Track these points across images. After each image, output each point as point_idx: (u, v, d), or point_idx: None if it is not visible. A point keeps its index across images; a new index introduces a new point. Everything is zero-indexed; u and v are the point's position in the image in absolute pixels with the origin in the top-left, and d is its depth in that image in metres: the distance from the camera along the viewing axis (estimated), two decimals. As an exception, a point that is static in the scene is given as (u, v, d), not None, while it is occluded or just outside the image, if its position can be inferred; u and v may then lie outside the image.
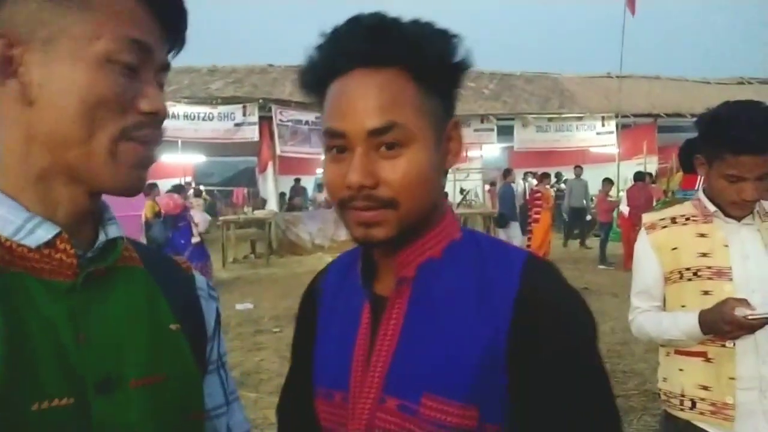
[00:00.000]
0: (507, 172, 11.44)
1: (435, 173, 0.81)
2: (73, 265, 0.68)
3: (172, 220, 8.84)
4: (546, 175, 11.62)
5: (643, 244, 1.85)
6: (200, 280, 0.88)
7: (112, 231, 0.75)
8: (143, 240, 9.66)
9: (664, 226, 1.83)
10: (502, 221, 10.69)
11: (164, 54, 0.73)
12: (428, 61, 0.77)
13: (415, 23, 0.79)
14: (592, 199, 15.18)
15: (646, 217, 1.90)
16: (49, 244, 0.67)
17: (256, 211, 13.13)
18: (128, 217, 10.31)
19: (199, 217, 9.45)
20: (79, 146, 0.66)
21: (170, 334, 0.75)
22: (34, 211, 0.67)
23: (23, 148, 0.67)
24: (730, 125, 1.61)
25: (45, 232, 0.66)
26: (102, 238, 0.73)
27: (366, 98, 0.76)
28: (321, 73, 0.81)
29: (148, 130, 0.69)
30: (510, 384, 0.75)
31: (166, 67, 0.73)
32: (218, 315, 0.89)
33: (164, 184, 15.57)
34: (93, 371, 0.65)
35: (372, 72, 0.77)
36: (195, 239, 8.69)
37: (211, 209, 17.62)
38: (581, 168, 13.52)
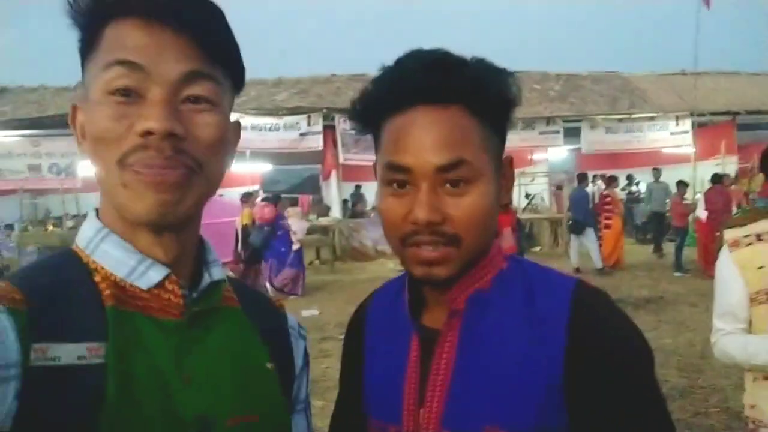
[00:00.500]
0: (582, 177, 11.12)
1: (495, 211, 0.81)
2: (180, 305, 0.72)
3: (270, 228, 9.19)
4: (614, 178, 11.20)
5: (727, 262, 1.76)
6: (291, 319, 0.90)
7: (216, 273, 0.78)
8: (239, 245, 10.35)
9: (749, 243, 1.73)
10: (578, 227, 10.37)
11: (181, 65, 0.68)
12: (490, 99, 0.79)
13: (477, 61, 0.81)
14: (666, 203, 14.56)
15: (729, 234, 1.80)
16: (159, 284, 0.71)
17: (320, 218, 13.36)
18: (222, 224, 10.86)
19: (297, 225, 9.76)
20: (104, 182, 0.69)
21: (266, 374, 0.78)
22: (145, 253, 0.72)
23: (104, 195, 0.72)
24: None
25: (156, 274, 0.71)
26: (207, 279, 0.76)
27: (433, 134, 0.77)
28: (380, 106, 0.81)
29: (149, 152, 0.66)
30: (569, 412, 0.75)
31: (192, 76, 0.69)
32: (306, 354, 0.90)
33: (233, 193, 16.17)
34: (193, 409, 0.68)
35: (437, 108, 0.77)
36: (295, 246, 9.06)
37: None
38: (660, 170, 12.89)
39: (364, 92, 0.83)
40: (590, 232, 10.29)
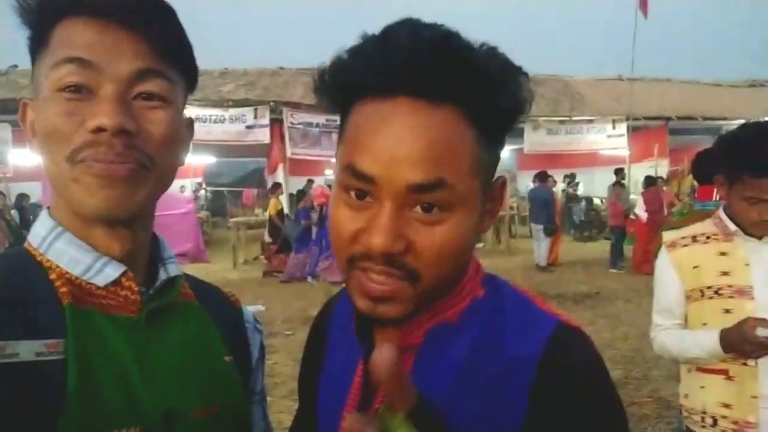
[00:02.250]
0: (543, 176, 11.16)
1: (473, 242, 0.67)
2: (137, 302, 0.72)
3: (318, 212, 9.57)
4: (546, 176, 11.39)
5: (665, 262, 1.86)
6: (247, 313, 0.92)
7: (172, 269, 0.79)
8: (266, 237, 10.80)
9: (685, 245, 1.84)
10: (553, 230, 10.57)
11: (132, 62, 0.68)
12: (496, 105, 0.62)
13: (487, 52, 0.63)
14: (602, 201, 15.14)
15: (667, 236, 1.91)
16: (115, 281, 0.71)
17: (266, 213, 13.17)
18: (167, 216, 10.55)
19: None
20: (54, 178, 0.69)
21: (224, 366, 0.79)
22: (100, 249, 0.72)
23: (56, 192, 0.72)
24: (750, 148, 1.62)
25: (112, 271, 0.71)
26: (163, 276, 0.77)
27: (411, 140, 0.59)
28: (352, 84, 0.63)
29: (100, 148, 0.66)
30: None
31: (144, 74, 0.69)
32: (262, 347, 0.92)
33: (174, 185, 15.71)
34: (156, 403, 0.69)
35: (424, 105, 0.60)
36: None
37: (221, 210, 17.75)
38: (622, 170, 12.89)
39: (336, 62, 0.65)
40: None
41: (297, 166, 14.08)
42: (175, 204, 11.93)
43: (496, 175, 0.71)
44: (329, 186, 9.97)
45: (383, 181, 0.60)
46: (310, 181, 16.22)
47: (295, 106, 12.96)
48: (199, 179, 16.56)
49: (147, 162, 0.69)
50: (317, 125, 13.04)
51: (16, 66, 12.80)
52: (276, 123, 12.89)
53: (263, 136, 12.89)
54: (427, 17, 0.64)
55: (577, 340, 0.68)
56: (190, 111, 12.31)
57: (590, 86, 17.10)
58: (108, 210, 0.68)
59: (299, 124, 12.86)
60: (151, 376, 0.70)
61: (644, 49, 14.10)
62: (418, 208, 0.61)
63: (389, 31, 0.63)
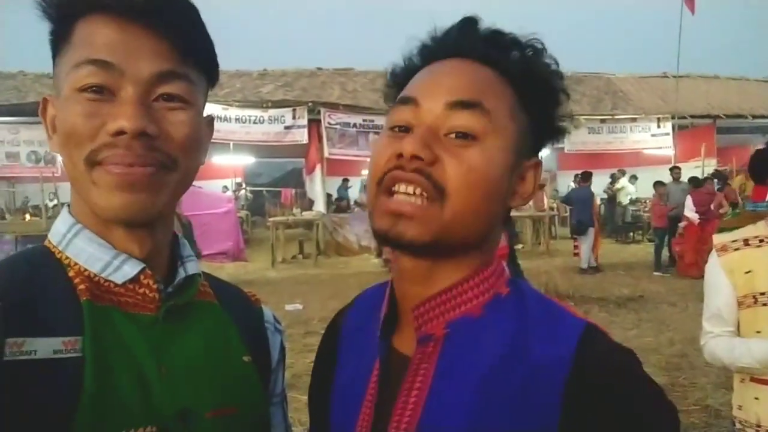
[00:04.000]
0: (586, 176, 10.85)
1: (498, 193, 0.67)
2: (156, 300, 0.72)
3: None
4: (589, 176, 11.06)
5: (715, 266, 1.79)
6: (268, 313, 0.91)
7: (191, 268, 0.78)
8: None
9: (737, 248, 1.76)
10: (581, 228, 10.32)
11: (154, 64, 0.67)
12: (532, 79, 0.69)
13: (534, 42, 0.71)
14: (645, 202, 14.72)
15: (717, 239, 1.83)
16: (134, 279, 0.71)
17: (304, 213, 13.30)
18: (205, 216, 10.81)
19: None
20: (76, 180, 0.69)
21: (242, 367, 0.78)
22: (119, 248, 0.71)
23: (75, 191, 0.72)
24: None
25: (130, 269, 0.71)
26: (181, 274, 0.76)
27: (455, 75, 0.67)
28: (417, 61, 0.73)
29: (119, 151, 0.66)
30: None
31: (166, 76, 0.68)
32: (282, 347, 0.91)
33: (215, 185, 16.04)
34: (173, 402, 0.68)
35: (471, 62, 0.69)
36: None
37: (259, 209, 18.02)
38: (679, 169, 11.94)
39: (406, 55, 0.75)
40: (590, 232, 10.34)
41: (334, 166, 14.18)
42: (217, 203, 12.16)
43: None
44: None
45: (426, 102, 0.66)
46: (346, 181, 16.36)
47: (333, 106, 13.07)
48: (239, 179, 16.85)
49: (169, 163, 0.69)
50: (354, 125, 13.11)
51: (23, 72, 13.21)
52: (314, 123, 13.03)
53: (301, 136, 13.04)
54: (458, 16, 0.73)
55: (609, 342, 0.65)
56: (231, 112, 12.59)
57: (633, 84, 16.69)
58: (127, 214, 0.68)
59: (336, 124, 12.95)
60: (167, 374, 0.69)
61: (690, 46, 13.66)
62: (452, 136, 0.65)
63: (452, 26, 0.73)
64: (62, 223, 0.73)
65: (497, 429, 0.61)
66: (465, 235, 0.66)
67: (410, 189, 0.63)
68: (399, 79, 0.74)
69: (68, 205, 0.75)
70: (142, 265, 0.71)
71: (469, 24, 0.71)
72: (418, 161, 0.63)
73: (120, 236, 0.71)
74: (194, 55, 0.71)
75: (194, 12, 0.72)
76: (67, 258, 0.71)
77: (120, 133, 0.65)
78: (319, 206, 13.71)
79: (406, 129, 0.67)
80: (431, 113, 0.65)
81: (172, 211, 0.77)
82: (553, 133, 0.74)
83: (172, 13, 0.68)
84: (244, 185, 17.54)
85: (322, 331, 0.93)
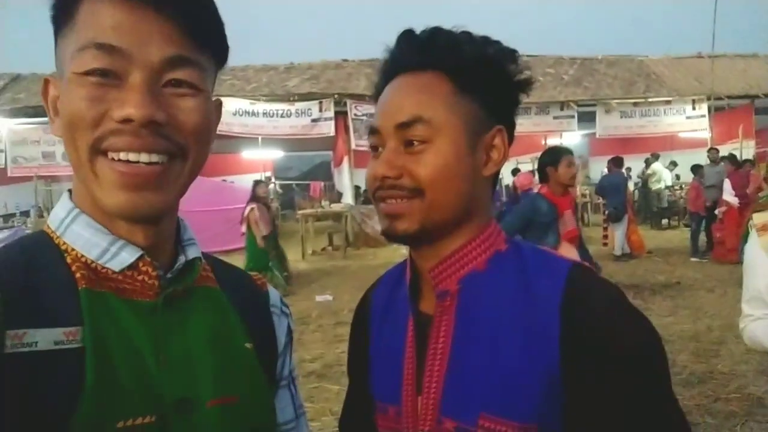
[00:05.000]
0: (617, 161, 10.39)
1: (466, 173, 0.80)
2: (155, 286, 0.70)
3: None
4: (620, 162, 10.72)
5: (755, 247, 1.71)
6: (274, 297, 0.88)
7: (191, 252, 0.76)
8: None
9: (779, 227, 1.68)
10: (618, 215, 9.98)
11: (164, 49, 0.65)
12: (464, 63, 0.80)
13: (463, 33, 0.82)
14: (681, 187, 14.35)
15: (757, 218, 1.75)
16: (132, 266, 0.68)
17: (332, 205, 13.36)
18: (233, 210, 10.94)
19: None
20: (77, 167, 0.67)
21: (244, 354, 0.76)
22: (118, 234, 0.69)
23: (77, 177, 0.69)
24: None
25: (128, 255, 0.68)
26: (181, 259, 0.74)
27: (398, 97, 0.81)
28: (379, 83, 0.87)
29: (126, 137, 0.63)
30: (567, 402, 0.72)
31: (175, 61, 0.66)
32: (290, 331, 0.89)
33: (245, 179, 16.21)
34: (172, 391, 0.67)
35: (411, 75, 0.82)
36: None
37: (289, 202, 18.17)
38: (717, 151, 11.20)
39: (376, 74, 0.89)
40: (624, 218, 10.08)
41: (361, 158, 14.19)
42: (247, 197, 12.27)
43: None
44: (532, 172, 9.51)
45: (382, 128, 0.81)
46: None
47: (359, 98, 13.05)
48: (269, 173, 16.99)
49: (178, 152, 0.67)
50: (381, 116, 13.10)
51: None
52: (340, 116, 13.05)
53: (328, 128, 13.08)
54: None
55: (592, 276, 0.79)
56: (258, 106, 12.70)
57: (667, 65, 16.24)
58: (132, 213, 0.66)
59: (363, 115, 12.94)
60: (167, 362, 0.67)
61: (725, 24, 13.21)
62: (407, 145, 0.79)
63: (392, 44, 0.85)
64: (61, 208, 0.71)
65: (512, 357, 0.74)
66: (447, 215, 0.80)
67: (392, 200, 0.80)
68: (377, 95, 0.88)
69: (69, 191, 0.74)
70: (140, 252, 0.69)
71: (404, 39, 0.84)
72: (389, 179, 0.79)
73: (123, 226, 0.69)
74: (205, 40, 0.68)
75: None
76: (64, 244, 0.69)
77: (127, 120, 0.62)
78: (348, 198, 13.76)
79: (377, 148, 0.83)
80: (388, 135, 0.80)
81: (178, 202, 0.74)
82: (508, 96, 0.84)
83: None
84: (273, 179, 17.69)
85: (354, 322, 0.98)
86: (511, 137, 0.86)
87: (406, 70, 0.82)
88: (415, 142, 0.78)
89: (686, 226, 12.07)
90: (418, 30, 0.83)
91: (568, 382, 0.72)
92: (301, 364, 4.92)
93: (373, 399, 0.90)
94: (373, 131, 0.83)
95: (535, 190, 9.38)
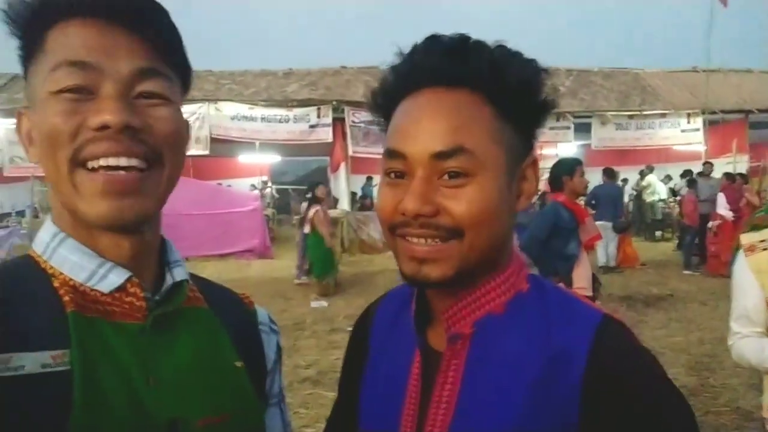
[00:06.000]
0: (610, 173, 10.59)
1: (505, 211, 0.71)
2: (143, 308, 0.70)
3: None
4: (613, 173, 10.81)
5: (742, 267, 1.76)
6: (262, 314, 0.89)
7: (178, 274, 0.76)
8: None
9: (765, 248, 1.73)
10: (623, 226, 10.01)
11: (133, 62, 0.67)
12: (507, 85, 0.70)
13: (500, 47, 0.72)
14: (675, 200, 14.42)
15: (745, 238, 1.80)
16: (120, 287, 0.69)
17: (329, 210, 13.36)
18: (232, 214, 10.88)
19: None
20: (56, 184, 0.67)
21: (234, 372, 0.76)
22: (103, 251, 0.70)
23: (57, 199, 0.70)
24: None
25: (116, 277, 0.69)
26: (168, 281, 0.75)
27: (433, 118, 0.69)
28: (391, 91, 0.75)
29: (104, 144, 0.65)
30: None
31: (144, 73, 0.68)
32: (279, 348, 0.89)
33: (242, 183, 16.20)
34: (162, 412, 0.67)
35: (444, 91, 0.70)
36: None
37: (285, 207, 18.15)
38: (712, 164, 11.63)
39: (381, 81, 0.77)
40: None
41: (358, 165, 14.22)
42: (243, 201, 12.31)
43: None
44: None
45: (412, 154, 0.69)
46: (370, 179, 16.40)
47: (357, 104, 13.08)
48: (265, 177, 16.99)
49: (155, 157, 0.68)
50: (378, 123, 13.12)
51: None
52: (338, 122, 13.07)
53: (326, 134, 13.09)
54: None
55: (625, 332, 0.70)
56: (256, 111, 12.69)
57: (662, 79, 16.37)
58: (114, 221, 0.66)
59: (361, 122, 12.97)
60: (157, 384, 0.67)
61: (721, 38, 13.35)
62: (446, 177, 0.68)
63: (415, 45, 0.74)
64: (46, 232, 0.72)
65: (524, 414, 0.67)
66: (484, 258, 0.71)
67: (422, 241, 0.69)
68: (381, 105, 0.78)
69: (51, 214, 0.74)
70: (129, 274, 0.70)
71: (434, 46, 0.72)
72: (423, 217, 0.68)
73: (106, 243, 0.70)
74: (170, 55, 0.71)
75: (166, 14, 0.71)
76: (51, 268, 0.69)
77: (104, 127, 0.64)
78: (344, 204, 13.76)
79: (401, 174, 0.71)
80: (420, 164, 0.69)
81: (159, 214, 0.75)
82: (538, 119, 0.75)
83: (146, 14, 0.69)
84: (270, 183, 17.68)
85: (348, 329, 0.96)
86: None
87: (434, 83, 0.71)
88: (458, 174, 0.68)
89: (680, 238, 12.10)
90: (438, 37, 0.73)
91: None
92: (296, 371, 4.93)
93: (359, 424, 0.83)
94: (394, 154, 0.71)
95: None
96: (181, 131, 0.73)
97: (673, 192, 14.64)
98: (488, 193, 0.69)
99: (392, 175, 0.72)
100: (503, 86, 0.70)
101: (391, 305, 0.88)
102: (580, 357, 0.66)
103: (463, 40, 0.72)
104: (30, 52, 0.69)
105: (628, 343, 0.69)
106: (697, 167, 12.41)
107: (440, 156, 0.68)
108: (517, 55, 0.72)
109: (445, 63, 0.70)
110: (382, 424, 0.78)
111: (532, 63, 0.73)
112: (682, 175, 11.80)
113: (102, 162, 0.65)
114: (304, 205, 9.10)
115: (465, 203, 0.68)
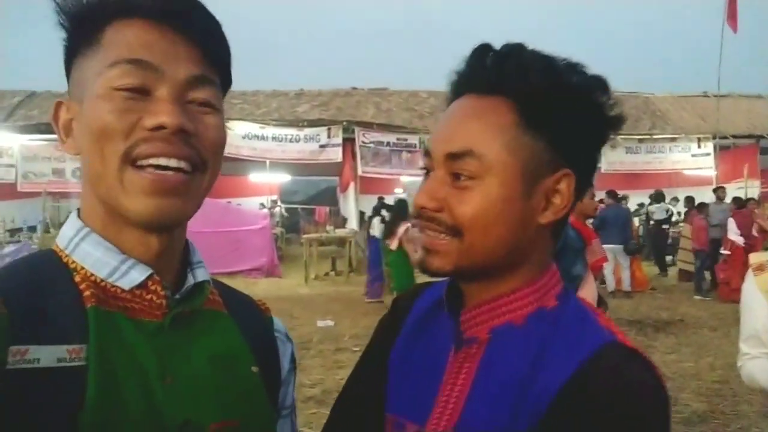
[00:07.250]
0: (614, 194, 10.51)
1: (513, 219, 0.72)
2: (162, 306, 0.70)
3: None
4: (616, 195, 10.75)
5: (752, 287, 1.75)
6: (278, 323, 0.89)
7: (200, 274, 0.76)
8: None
9: (775, 268, 1.72)
10: (635, 248, 9.98)
11: (189, 68, 0.69)
12: (530, 89, 0.70)
13: (541, 55, 0.73)
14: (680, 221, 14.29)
15: (754, 258, 1.79)
16: (141, 284, 0.69)
17: (337, 230, 13.40)
18: (240, 232, 10.86)
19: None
20: (100, 179, 0.67)
21: (249, 377, 0.76)
22: (129, 253, 0.70)
23: (91, 194, 0.71)
24: None
25: (138, 274, 0.69)
26: (190, 281, 0.75)
27: (453, 122, 0.74)
28: (447, 97, 0.81)
29: (158, 144, 0.66)
30: None
31: (198, 80, 0.70)
32: (293, 359, 0.89)
33: (252, 202, 16.28)
34: (176, 413, 0.66)
35: (477, 97, 0.74)
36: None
37: (294, 226, 18.22)
38: (724, 189, 11.53)
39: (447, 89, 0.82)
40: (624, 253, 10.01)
41: (368, 184, 14.28)
42: (252, 220, 12.39)
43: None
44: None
45: (433, 153, 0.75)
46: (380, 199, 16.50)
47: (367, 125, 13.22)
48: (275, 197, 17.09)
49: (200, 164, 0.69)
50: (388, 144, 13.22)
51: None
52: (348, 142, 13.19)
53: (336, 154, 13.20)
54: (496, 35, 0.76)
55: (626, 362, 0.67)
56: (267, 130, 12.82)
57: (672, 103, 16.39)
58: (159, 219, 0.67)
59: (370, 143, 13.09)
60: (172, 384, 0.67)
61: (732, 64, 13.37)
62: (456, 177, 0.72)
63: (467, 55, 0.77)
64: (70, 227, 0.72)
65: (513, 421, 0.68)
66: (485, 261, 0.73)
67: (429, 232, 0.74)
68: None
69: (78, 210, 0.75)
70: (150, 271, 0.70)
71: (476, 55, 0.75)
72: (428, 211, 0.73)
73: (134, 240, 0.70)
74: (220, 63, 0.73)
75: (220, 26, 0.73)
76: (73, 262, 0.69)
77: (160, 128, 0.65)
78: (352, 224, 13.79)
79: (429, 170, 0.77)
80: (438, 162, 0.74)
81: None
82: (589, 133, 0.75)
83: (202, 21, 0.70)
84: (279, 203, 17.78)
85: (354, 348, 0.96)
86: (587, 182, 0.77)
87: (473, 90, 0.75)
88: (462, 176, 0.71)
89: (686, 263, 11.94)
90: (483, 44, 0.75)
91: None
92: (301, 389, 4.90)
93: (388, 411, 0.82)
94: (426, 152, 0.77)
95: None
96: (225, 140, 0.75)
97: (681, 215, 14.53)
98: (492, 197, 0.71)
99: (426, 174, 0.78)
100: (527, 91, 0.71)
101: (429, 298, 0.88)
102: (566, 372, 0.66)
103: (507, 49, 0.73)
104: (81, 44, 0.69)
105: (621, 371, 0.66)
106: (707, 192, 12.32)
107: (452, 157, 0.72)
108: (555, 62, 0.72)
109: (480, 70, 0.74)
110: (412, 410, 0.78)
111: (576, 70, 0.72)
112: (685, 203, 11.68)
113: (152, 161, 0.66)
114: (375, 221, 8.91)
115: (466, 204, 0.71)
